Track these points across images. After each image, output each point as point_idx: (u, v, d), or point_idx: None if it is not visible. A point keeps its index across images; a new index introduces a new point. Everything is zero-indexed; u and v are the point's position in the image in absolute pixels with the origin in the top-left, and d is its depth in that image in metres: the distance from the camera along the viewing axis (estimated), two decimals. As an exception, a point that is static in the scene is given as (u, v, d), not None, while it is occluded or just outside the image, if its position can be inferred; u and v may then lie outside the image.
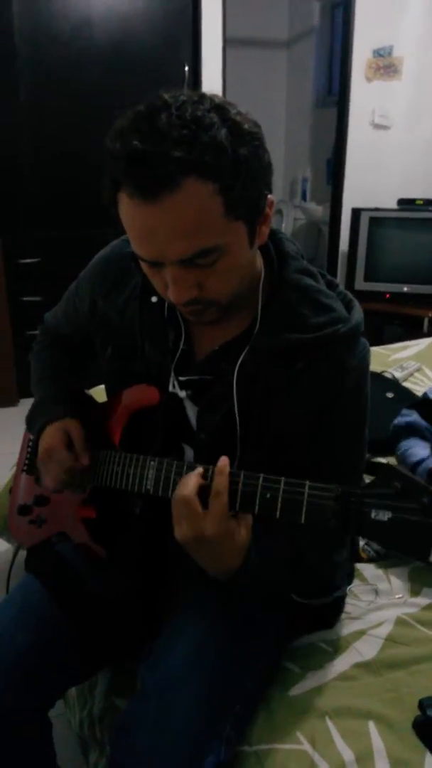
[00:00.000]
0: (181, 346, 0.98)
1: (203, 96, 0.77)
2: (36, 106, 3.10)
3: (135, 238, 0.81)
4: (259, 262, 0.93)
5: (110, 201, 0.80)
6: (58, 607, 1.00)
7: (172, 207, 0.74)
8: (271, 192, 0.84)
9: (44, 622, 0.99)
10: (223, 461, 0.81)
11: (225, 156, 0.74)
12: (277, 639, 1.06)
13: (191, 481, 0.81)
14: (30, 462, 1.24)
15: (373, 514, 0.71)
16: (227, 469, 0.80)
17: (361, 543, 1.35)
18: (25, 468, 1.25)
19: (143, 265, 0.85)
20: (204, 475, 0.82)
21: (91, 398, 1.21)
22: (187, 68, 3.32)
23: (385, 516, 0.70)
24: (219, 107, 0.76)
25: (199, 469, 0.83)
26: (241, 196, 0.77)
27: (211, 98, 0.77)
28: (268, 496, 0.77)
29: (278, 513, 0.77)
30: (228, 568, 0.84)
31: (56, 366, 1.22)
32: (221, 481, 0.79)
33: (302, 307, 0.90)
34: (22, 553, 1.18)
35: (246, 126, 0.77)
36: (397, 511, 0.69)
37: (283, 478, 0.77)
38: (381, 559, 1.34)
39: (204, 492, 0.80)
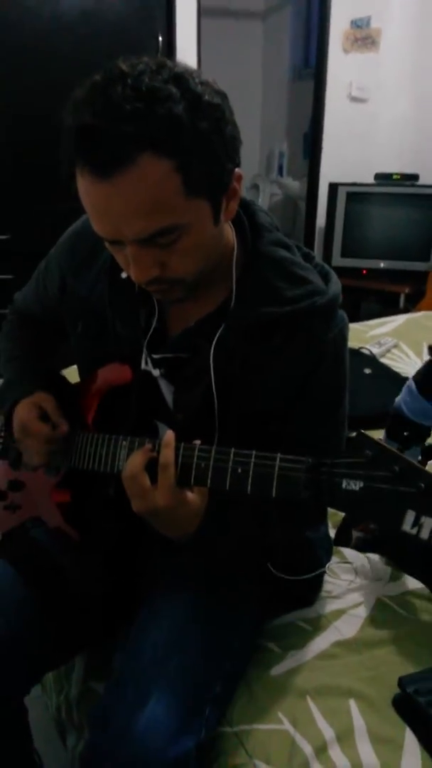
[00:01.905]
0: (153, 324, 0.95)
1: (163, 65, 0.73)
2: (3, 76, 2.99)
3: (91, 215, 0.78)
4: (231, 235, 0.90)
5: (69, 176, 0.76)
6: (32, 593, 0.97)
7: (126, 185, 0.71)
8: (238, 165, 0.81)
9: (18, 607, 0.97)
10: (169, 435, 0.82)
11: (182, 131, 0.71)
12: (256, 618, 1.06)
13: (137, 458, 0.82)
14: (3, 446, 1.21)
15: (344, 484, 0.69)
16: (173, 442, 0.81)
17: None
18: (-2, 453, 1.21)
19: (106, 243, 0.82)
20: (153, 450, 0.83)
21: (63, 378, 1.18)
22: (161, 38, 3.23)
23: (356, 485, 0.68)
24: (178, 77, 0.72)
25: (147, 445, 0.84)
26: (202, 172, 0.74)
27: (170, 67, 0.73)
28: (240, 470, 0.76)
29: (249, 487, 0.76)
30: (186, 533, 0.85)
31: (26, 346, 1.19)
32: (167, 454, 0.80)
33: (278, 279, 0.88)
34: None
35: (207, 97, 0.73)
36: (368, 480, 0.67)
37: (254, 452, 0.76)
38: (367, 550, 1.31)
39: (155, 466, 0.81)
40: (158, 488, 0.81)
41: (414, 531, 0.65)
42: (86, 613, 1.00)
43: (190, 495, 0.82)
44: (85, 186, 0.74)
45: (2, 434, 1.21)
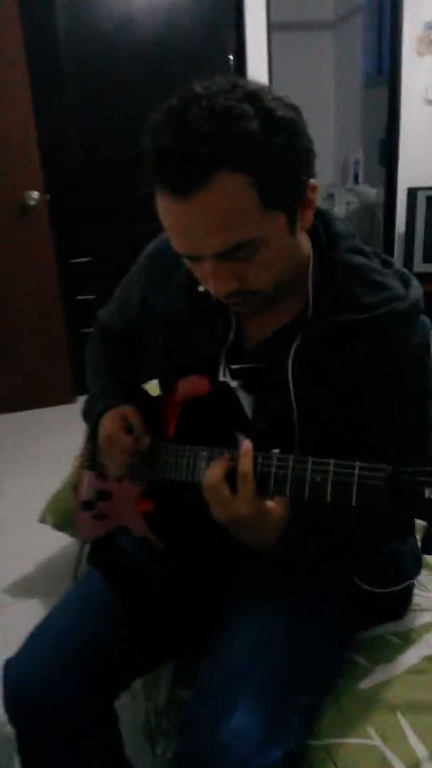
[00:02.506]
0: (231, 336, 0.96)
1: (236, 84, 0.75)
2: (83, 106, 3.14)
3: (170, 234, 0.81)
4: (307, 246, 0.90)
5: (148, 197, 0.79)
6: (120, 600, 1.00)
7: (204, 203, 0.73)
8: (313, 177, 0.82)
9: (107, 615, 0.99)
10: (247, 444, 0.82)
11: (257, 147, 0.72)
12: (343, 630, 1.04)
13: (216, 468, 0.84)
14: (91, 458, 1.25)
15: (427, 493, 0.67)
16: (251, 451, 0.81)
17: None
18: (87, 464, 1.26)
19: (184, 258, 0.84)
20: (231, 460, 0.84)
21: (144, 391, 1.21)
22: (231, 57, 3.28)
23: None
24: (252, 95, 0.74)
25: (226, 455, 0.85)
26: (278, 186, 0.75)
27: (243, 86, 0.75)
28: (318, 479, 0.76)
29: (329, 496, 0.75)
30: (267, 542, 0.86)
31: (110, 360, 1.23)
32: (245, 463, 0.81)
33: (355, 286, 0.87)
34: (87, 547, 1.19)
35: (280, 113, 0.74)
36: None
37: (332, 460, 0.75)
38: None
39: (235, 475, 0.82)
40: (238, 497, 0.81)
41: None
42: (173, 620, 1.02)
43: (270, 504, 0.82)
44: (164, 206, 0.77)
45: (89, 447, 1.26)
